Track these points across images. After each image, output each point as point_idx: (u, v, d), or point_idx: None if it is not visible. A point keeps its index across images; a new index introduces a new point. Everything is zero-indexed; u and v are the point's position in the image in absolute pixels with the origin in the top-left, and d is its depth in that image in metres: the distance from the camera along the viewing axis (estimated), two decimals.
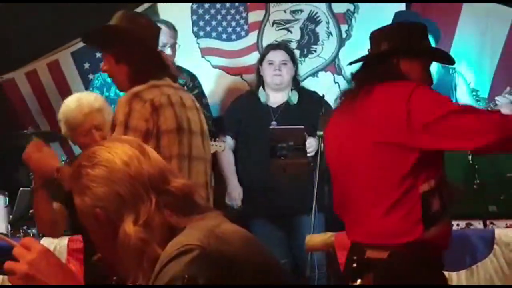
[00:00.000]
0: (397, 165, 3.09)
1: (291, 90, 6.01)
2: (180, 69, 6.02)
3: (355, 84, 3.38)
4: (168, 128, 3.73)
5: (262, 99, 5.99)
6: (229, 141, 5.97)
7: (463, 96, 5.91)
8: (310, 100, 5.93)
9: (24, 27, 6.39)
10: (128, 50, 3.81)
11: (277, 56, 5.96)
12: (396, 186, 3.07)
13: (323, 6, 6.76)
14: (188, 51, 6.61)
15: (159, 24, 6.01)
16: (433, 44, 5.78)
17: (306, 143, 5.65)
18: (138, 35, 3.83)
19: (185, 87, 5.88)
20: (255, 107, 6.01)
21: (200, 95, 6.06)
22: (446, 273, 4.32)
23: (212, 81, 6.76)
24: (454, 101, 5.81)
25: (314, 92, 6.19)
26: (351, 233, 3.18)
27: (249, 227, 5.25)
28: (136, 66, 3.81)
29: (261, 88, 6.03)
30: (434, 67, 5.87)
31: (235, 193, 5.88)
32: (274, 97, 5.99)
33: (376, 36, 3.52)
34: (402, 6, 6.51)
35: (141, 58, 3.82)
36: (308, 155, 5.63)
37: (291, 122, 5.82)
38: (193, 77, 6.13)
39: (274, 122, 5.89)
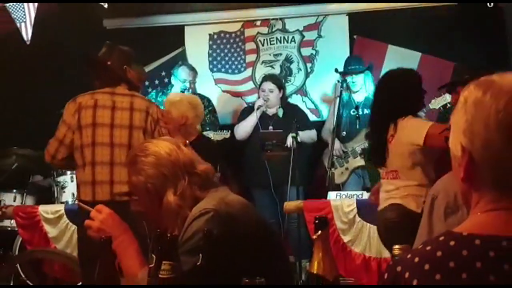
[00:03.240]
0: None
1: (279, 107, 5.94)
2: (200, 95, 6.01)
3: None
4: (86, 123, 3.61)
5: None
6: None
7: None
8: (292, 113, 5.88)
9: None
10: (96, 71, 3.75)
11: (266, 85, 5.91)
12: None
13: (295, 51, 6.75)
14: (206, 81, 6.62)
15: (185, 67, 6.10)
16: (369, 74, 5.87)
17: (286, 141, 5.64)
18: (103, 61, 3.71)
19: (204, 106, 5.95)
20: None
21: (213, 110, 6.10)
22: (375, 227, 4.37)
23: (222, 101, 6.73)
24: None
25: (296, 106, 6.18)
26: None
27: (250, 196, 5.27)
28: (98, 80, 3.74)
29: None
30: (372, 93, 5.89)
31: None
32: (268, 111, 5.92)
33: None
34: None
35: (101, 74, 3.72)
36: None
37: (279, 127, 5.77)
38: (208, 99, 6.10)
39: (270, 127, 5.84)
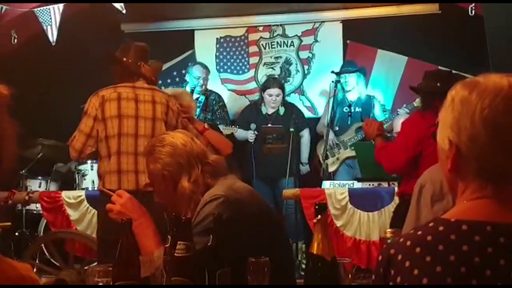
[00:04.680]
0: None
1: (280, 106, 5.87)
2: (212, 91, 6.01)
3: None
4: (111, 115, 3.42)
5: (264, 112, 5.89)
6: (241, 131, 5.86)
7: (377, 110, 5.88)
8: (291, 111, 5.84)
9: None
10: (114, 67, 3.61)
11: (273, 91, 5.81)
12: None
13: (294, 54, 6.74)
14: (213, 81, 6.57)
15: (199, 65, 6.04)
16: (362, 77, 5.86)
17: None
18: (120, 58, 3.57)
19: (214, 101, 5.92)
20: (258, 113, 5.93)
21: (224, 106, 6.03)
22: (365, 213, 4.39)
23: (227, 99, 6.71)
24: (371, 114, 5.81)
25: (294, 105, 6.14)
26: None
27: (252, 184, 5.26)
28: (116, 75, 3.59)
29: (263, 104, 5.92)
30: (364, 94, 5.90)
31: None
32: (269, 110, 5.87)
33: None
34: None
35: (119, 70, 3.57)
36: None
37: (278, 124, 5.77)
38: (219, 95, 6.05)
39: (270, 124, 5.80)
